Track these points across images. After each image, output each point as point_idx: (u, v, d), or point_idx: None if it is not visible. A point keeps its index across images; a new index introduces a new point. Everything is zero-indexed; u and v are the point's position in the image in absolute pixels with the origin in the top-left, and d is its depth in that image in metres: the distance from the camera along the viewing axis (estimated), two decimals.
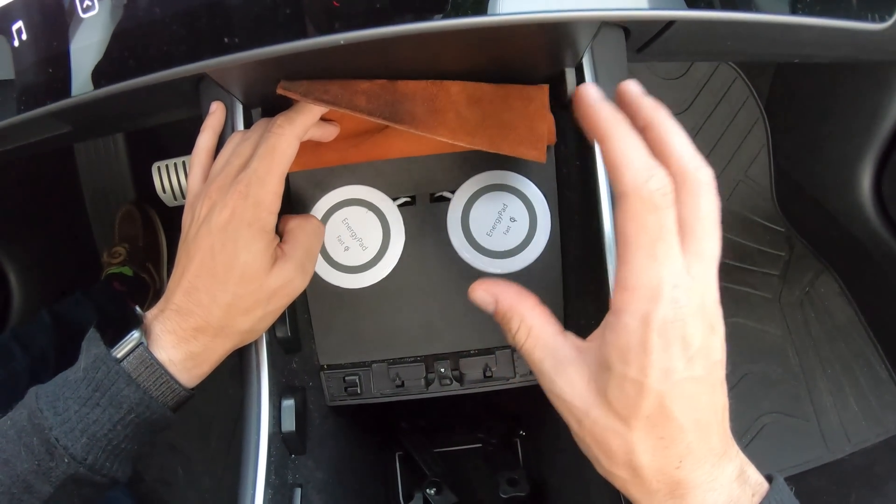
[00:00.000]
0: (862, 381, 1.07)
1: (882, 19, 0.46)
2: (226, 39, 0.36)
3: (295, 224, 0.46)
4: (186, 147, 0.48)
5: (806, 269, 1.16)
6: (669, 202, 0.32)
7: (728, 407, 0.35)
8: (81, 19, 0.41)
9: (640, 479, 0.34)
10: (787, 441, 1.05)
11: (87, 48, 0.41)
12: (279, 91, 0.43)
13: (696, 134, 1.21)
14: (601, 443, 0.34)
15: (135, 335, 0.42)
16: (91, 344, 0.43)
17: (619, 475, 0.35)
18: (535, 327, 0.36)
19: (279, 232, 0.45)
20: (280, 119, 0.44)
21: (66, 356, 0.90)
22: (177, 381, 0.42)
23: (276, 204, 0.42)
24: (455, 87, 0.46)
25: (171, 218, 1.25)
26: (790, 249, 1.18)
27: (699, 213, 0.33)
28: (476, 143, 0.46)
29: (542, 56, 0.46)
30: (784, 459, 1.04)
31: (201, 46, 0.37)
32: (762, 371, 1.10)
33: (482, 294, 0.38)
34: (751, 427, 1.06)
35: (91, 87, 0.42)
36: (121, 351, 0.42)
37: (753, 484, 0.35)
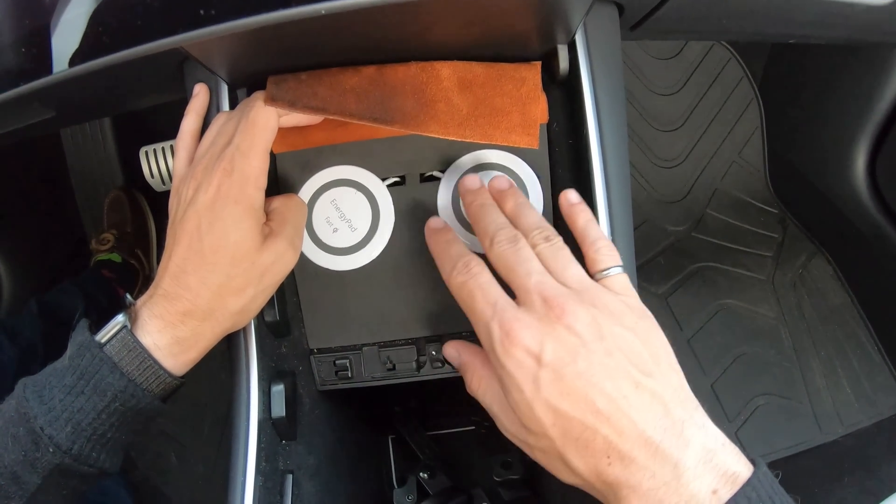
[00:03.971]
0: (855, 363, 1.08)
1: None
2: (202, 11, 0.35)
3: (279, 203, 0.46)
4: (174, 131, 0.47)
5: (799, 250, 1.16)
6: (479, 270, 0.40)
7: (637, 397, 0.35)
8: None
9: (588, 484, 0.36)
10: (781, 423, 1.05)
11: (65, 23, 0.40)
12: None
13: (690, 114, 1.20)
14: (546, 462, 0.38)
15: (119, 319, 0.41)
16: (78, 332, 0.42)
17: (577, 483, 0.37)
18: (483, 377, 0.42)
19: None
20: (259, 93, 0.44)
21: (55, 346, 0.89)
22: (162, 367, 0.41)
23: (262, 179, 0.42)
24: (446, 71, 0.46)
25: (160, 203, 1.23)
26: (783, 231, 1.18)
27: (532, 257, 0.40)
28: (468, 136, 0.46)
29: (535, 33, 0.46)
30: (777, 441, 1.04)
31: (179, 20, 0.36)
32: (755, 353, 1.10)
33: (451, 351, 0.46)
34: (744, 408, 1.06)
35: (69, 65, 0.40)
36: (105, 336, 0.41)
37: (721, 476, 0.33)
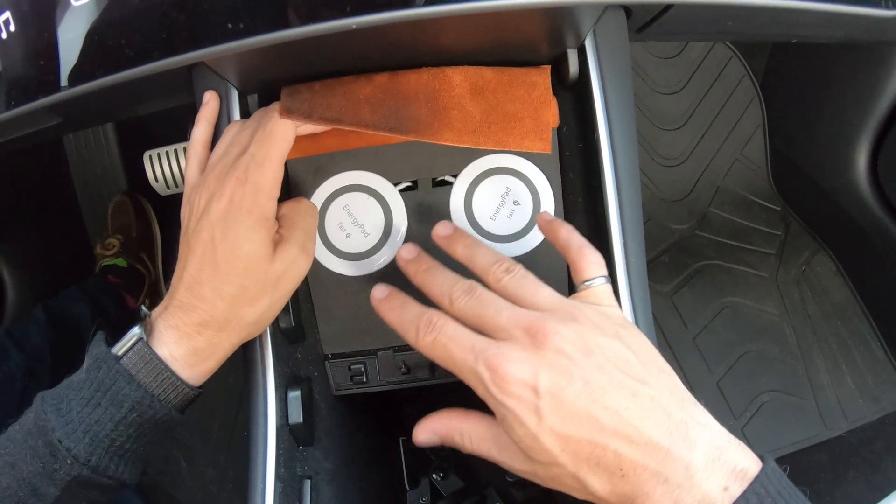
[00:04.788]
0: (859, 359, 1.08)
1: (893, 6, 0.45)
2: (228, 25, 0.35)
3: (288, 208, 0.46)
4: (178, 135, 0.47)
5: (802, 247, 1.16)
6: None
7: (637, 405, 0.35)
8: (73, 7, 0.40)
9: (604, 501, 0.36)
10: (785, 419, 1.06)
11: (78, 38, 0.40)
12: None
13: (692, 113, 1.20)
14: (562, 486, 0.37)
15: (135, 331, 0.41)
16: (94, 345, 0.42)
17: (592, 500, 0.37)
18: (471, 431, 0.40)
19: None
20: (275, 104, 0.44)
21: (62, 352, 0.90)
22: (179, 378, 0.42)
23: (275, 190, 0.42)
24: (457, 77, 0.46)
25: (165, 207, 1.24)
26: (786, 228, 1.18)
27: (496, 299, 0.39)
28: (481, 143, 0.46)
29: (546, 38, 0.46)
30: (782, 437, 1.04)
31: (199, 34, 0.36)
32: (760, 350, 1.10)
33: (423, 436, 0.42)
34: (749, 405, 1.06)
35: (83, 79, 0.40)
36: (121, 348, 0.41)
37: (730, 472, 0.34)
